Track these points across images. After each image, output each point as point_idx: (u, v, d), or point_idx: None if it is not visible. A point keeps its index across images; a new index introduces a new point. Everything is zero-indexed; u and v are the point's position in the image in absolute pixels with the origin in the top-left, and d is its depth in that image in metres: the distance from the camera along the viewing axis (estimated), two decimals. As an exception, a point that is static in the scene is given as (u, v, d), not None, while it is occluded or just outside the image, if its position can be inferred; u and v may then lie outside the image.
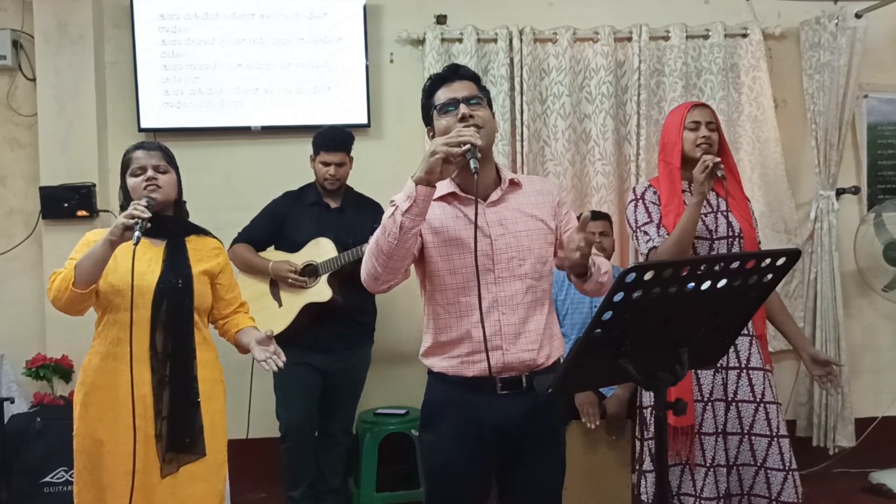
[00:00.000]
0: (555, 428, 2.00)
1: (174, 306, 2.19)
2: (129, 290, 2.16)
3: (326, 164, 3.09)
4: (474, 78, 1.95)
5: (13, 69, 3.67)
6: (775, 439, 2.45)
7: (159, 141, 2.38)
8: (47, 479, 3.17)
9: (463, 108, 1.85)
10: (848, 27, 3.63)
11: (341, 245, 3.06)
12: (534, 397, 1.89)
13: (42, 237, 3.63)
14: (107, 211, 3.64)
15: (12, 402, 3.36)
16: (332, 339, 3.10)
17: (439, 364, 1.94)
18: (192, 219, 3.14)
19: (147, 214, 2.06)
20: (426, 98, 1.95)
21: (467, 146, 1.72)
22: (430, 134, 1.96)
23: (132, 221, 2.03)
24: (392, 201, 1.81)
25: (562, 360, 2.02)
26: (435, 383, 1.98)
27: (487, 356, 1.81)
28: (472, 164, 1.74)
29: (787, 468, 2.44)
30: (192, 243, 2.32)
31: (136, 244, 2.02)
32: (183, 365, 2.20)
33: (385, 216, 1.78)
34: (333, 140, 3.10)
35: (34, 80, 3.64)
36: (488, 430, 1.89)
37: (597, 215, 3.31)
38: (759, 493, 2.47)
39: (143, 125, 3.66)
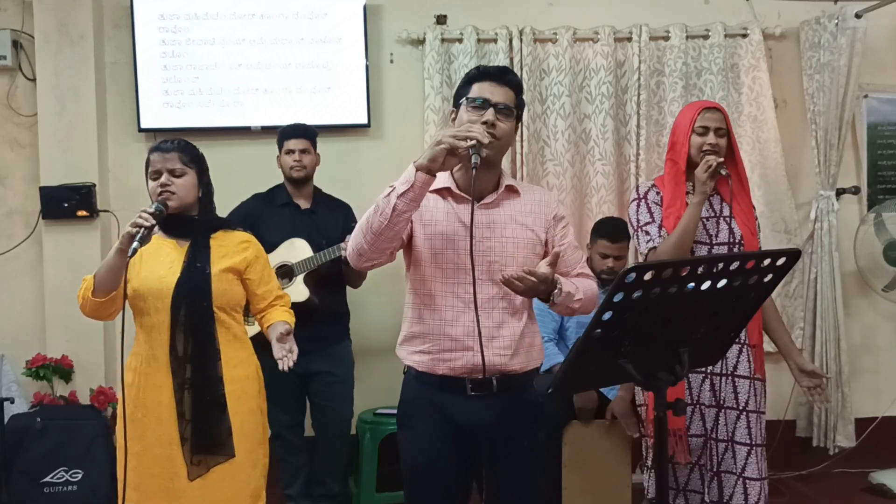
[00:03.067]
0: (532, 429, 1.98)
1: (192, 308, 2.16)
2: (150, 294, 2.16)
3: (290, 152, 3.13)
4: (518, 88, 1.93)
5: (13, 69, 3.66)
6: (754, 448, 2.48)
7: (182, 139, 2.29)
8: (47, 479, 3.17)
9: (489, 115, 1.84)
10: (848, 27, 3.63)
11: (315, 246, 3.06)
12: (506, 399, 1.89)
13: (42, 237, 3.63)
14: (107, 211, 3.64)
15: (12, 402, 3.35)
16: (310, 341, 3.07)
17: (411, 357, 1.94)
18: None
19: (150, 223, 2.02)
20: (464, 84, 1.94)
21: (473, 142, 1.72)
22: (453, 116, 1.96)
23: (135, 230, 2.00)
24: (392, 185, 1.81)
25: (540, 371, 2.04)
26: (409, 382, 1.99)
27: (482, 349, 1.81)
28: (474, 158, 1.74)
29: (761, 476, 2.48)
30: (218, 240, 2.26)
31: (130, 256, 1.99)
32: (204, 367, 2.16)
33: (380, 196, 1.78)
34: (294, 128, 3.17)
35: (34, 80, 3.64)
36: (461, 430, 1.90)
37: (619, 235, 3.19)
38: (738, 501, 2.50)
39: (143, 125, 3.66)
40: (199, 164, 2.25)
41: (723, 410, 2.49)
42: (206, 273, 2.19)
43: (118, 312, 2.21)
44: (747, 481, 2.47)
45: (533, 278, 1.76)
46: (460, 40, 3.67)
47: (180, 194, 2.18)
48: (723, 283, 1.43)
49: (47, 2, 3.56)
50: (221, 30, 3.66)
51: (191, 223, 2.24)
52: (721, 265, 1.43)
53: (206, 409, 2.15)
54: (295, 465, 3.20)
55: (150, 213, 2.05)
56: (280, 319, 2.30)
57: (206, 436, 2.14)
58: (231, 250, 2.27)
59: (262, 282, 2.32)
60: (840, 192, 3.83)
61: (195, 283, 2.17)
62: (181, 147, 2.23)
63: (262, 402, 2.33)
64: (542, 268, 1.79)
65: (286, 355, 2.17)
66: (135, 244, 1.99)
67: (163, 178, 2.17)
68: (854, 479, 3.70)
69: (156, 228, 2.08)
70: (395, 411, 3.39)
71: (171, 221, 2.21)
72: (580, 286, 1.94)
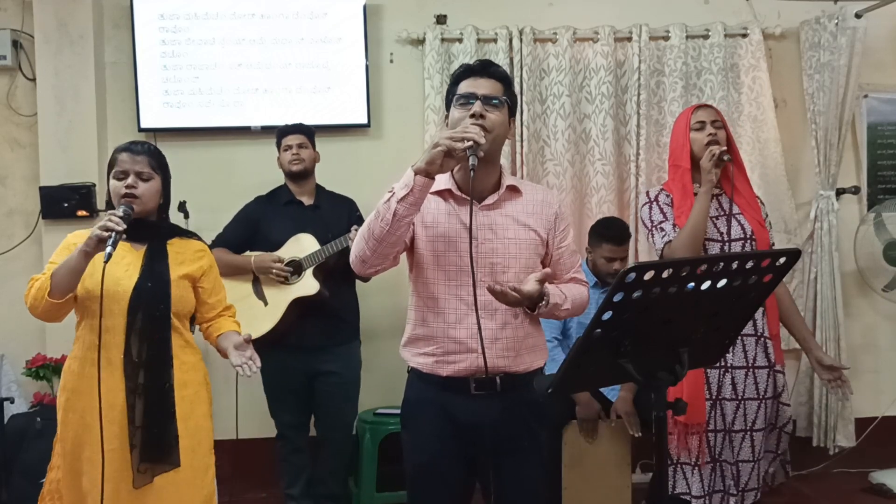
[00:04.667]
0: (533, 429, 1.98)
1: (149, 313, 2.13)
2: (106, 297, 2.11)
3: (288, 148, 3.17)
4: (504, 80, 1.92)
5: (13, 69, 3.67)
6: (775, 430, 2.56)
7: (152, 142, 2.30)
8: (47, 479, 3.17)
9: (477, 107, 1.84)
10: (848, 27, 3.63)
11: (321, 240, 3.07)
12: (509, 399, 1.89)
13: (42, 237, 3.63)
14: (106, 211, 3.63)
15: (12, 402, 3.36)
16: (319, 338, 3.09)
17: (414, 359, 1.95)
18: (193, 218, 3.16)
19: (121, 227, 2.00)
20: (451, 84, 1.94)
21: (470, 143, 1.71)
22: (446, 120, 1.96)
23: (106, 234, 1.98)
24: (391, 189, 1.81)
25: (544, 370, 2.03)
26: (412, 382, 1.99)
27: (484, 353, 1.81)
28: (471, 160, 1.73)
29: (776, 451, 2.60)
30: (175, 246, 2.25)
31: (106, 261, 1.97)
32: (158, 374, 2.13)
33: (381, 202, 1.78)
34: (290, 126, 3.23)
35: (34, 80, 3.64)
36: (464, 430, 1.90)
37: (625, 236, 3.22)
38: (752, 486, 2.56)
39: (143, 125, 3.66)
40: (164, 172, 2.24)
41: (743, 402, 2.53)
42: (166, 279, 2.16)
43: (68, 313, 2.19)
44: (760, 463, 2.56)
45: (517, 296, 1.77)
46: (460, 40, 3.67)
47: (144, 199, 2.16)
48: (723, 283, 1.43)
49: (47, 2, 3.56)
50: (221, 30, 3.66)
51: (150, 227, 2.22)
52: (721, 265, 1.43)
53: (156, 417, 2.12)
54: (297, 466, 3.20)
55: (121, 217, 2.02)
56: (231, 329, 2.29)
57: (153, 444, 2.11)
58: (188, 258, 2.26)
59: (213, 291, 2.31)
60: (840, 192, 3.83)
61: (155, 289, 2.15)
62: (151, 152, 2.21)
63: (210, 407, 2.31)
64: (531, 284, 1.80)
65: (246, 362, 2.11)
66: (108, 248, 1.96)
67: (129, 180, 2.14)
68: (854, 479, 3.70)
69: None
70: (395, 411, 3.42)
71: (131, 225, 2.15)
72: (569, 294, 1.94)
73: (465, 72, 1.92)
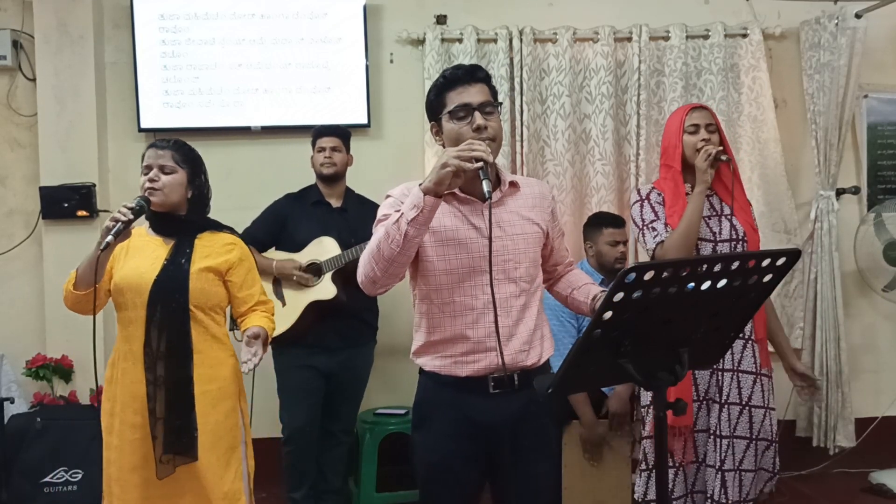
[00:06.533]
0: (546, 425, 1.98)
1: (167, 305, 2.17)
2: (129, 289, 2.18)
3: (322, 150, 3.16)
4: (488, 79, 1.90)
5: (13, 69, 3.67)
6: (753, 442, 2.51)
7: (181, 139, 2.33)
8: (47, 479, 3.17)
9: (479, 119, 1.82)
10: (848, 27, 3.63)
11: (344, 244, 3.08)
12: (525, 396, 1.89)
13: (42, 237, 3.64)
14: (107, 211, 3.64)
15: (12, 402, 3.35)
16: (336, 339, 3.11)
17: (431, 363, 1.93)
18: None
19: (127, 217, 2.04)
20: (436, 95, 1.91)
21: (480, 164, 1.68)
22: (434, 130, 1.93)
23: (112, 224, 2.02)
24: (388, 195, 1.79)
25: (551, 360, 2.03)
26: (426, 383, 1.97)
27: (501, 353, 1.81)
28: (485, 185, 1.70)
29: (756, 468, 2.51)
30: (203, 240, 2.28)
31: (102, 249, 2.01)
32: (177, 365, 2.16)
33: (388, 222, 1.75)
34: (327, 127, 3.22)
35: (34, 80, 3.64)
36: (481, 429, 1.89)
37: (621, 220, 3.28)
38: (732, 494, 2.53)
39: (143, 125, 3.66)
40: (192, 165, 2.27)
41: (726, 406, 2.50)
42: (185, 271, 2.20)
43: (101, 308, 2.21)
44: (743, 473, 2.50)
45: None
46: (460, 40, 3.67)
47: (165, 191, 2.20)
48: (723, 283, 1.43)
49: (47, 2, 3.56)
50: (221, 30, 3.66)
51: (178, 222, 2.26)
52: (721, 265, 1.43)
53: (176, 409, 2.15)
54: (304, 472, 3.18)
55: (129, 209, 2.07)
56: (257, 324, 2.27)
57: (174, 435, 2.14)
58: (215, 251, 2.28)
59: (243, 285, 2.32)
60: (840, 192, 3.83)
61: (172, 281, 2.18)
62: (176, 147, 2.26)
63: (242, 403, 2.33)
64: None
65: (250, 359, 2.14)
66: (108, 238, 2.01)
67: (151, 174, 2.19)
68: (854, 479, 3.70)
69: (134, 224, 2.09)
70: (395, 411, 3.45)
71: (160, 219, 2.24)
72: (588, 284, 2.00)
73: (450, 81, 1.87)
